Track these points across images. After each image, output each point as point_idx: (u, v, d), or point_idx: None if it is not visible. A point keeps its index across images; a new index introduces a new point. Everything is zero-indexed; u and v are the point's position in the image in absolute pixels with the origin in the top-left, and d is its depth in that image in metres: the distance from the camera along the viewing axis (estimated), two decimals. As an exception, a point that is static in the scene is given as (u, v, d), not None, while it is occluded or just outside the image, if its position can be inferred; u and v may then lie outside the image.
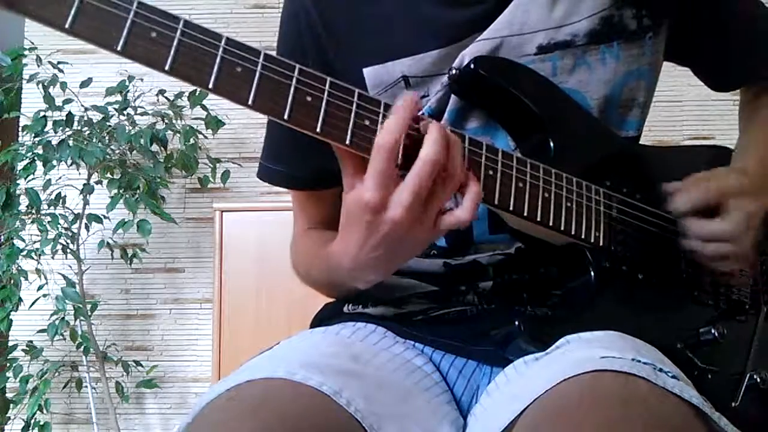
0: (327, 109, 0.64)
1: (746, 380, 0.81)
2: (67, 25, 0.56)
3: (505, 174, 0.71)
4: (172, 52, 0.58)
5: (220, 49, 0.60)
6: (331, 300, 0.93)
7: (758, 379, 0.81)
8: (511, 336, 0.73)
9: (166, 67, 0.58)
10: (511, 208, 0.72)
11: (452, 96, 0.80)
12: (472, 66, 0.77)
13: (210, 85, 0.60)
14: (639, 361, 0.59)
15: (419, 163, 0.64)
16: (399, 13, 0.82)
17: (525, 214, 0.72)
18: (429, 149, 0.64)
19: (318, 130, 0.63)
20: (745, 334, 0.85)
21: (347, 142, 0.64)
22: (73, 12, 0.56)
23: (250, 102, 0.61)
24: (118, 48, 0.57)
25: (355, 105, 0.65)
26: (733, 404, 0.79)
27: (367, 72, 0.82)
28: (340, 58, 0.82)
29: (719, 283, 0.85)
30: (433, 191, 0.65)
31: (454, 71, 0.79)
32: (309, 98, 0.63)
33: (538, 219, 0.73)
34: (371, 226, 0.66)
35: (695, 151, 0.97)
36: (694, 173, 0.83)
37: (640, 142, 0.90)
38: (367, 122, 0.65)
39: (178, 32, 0.59)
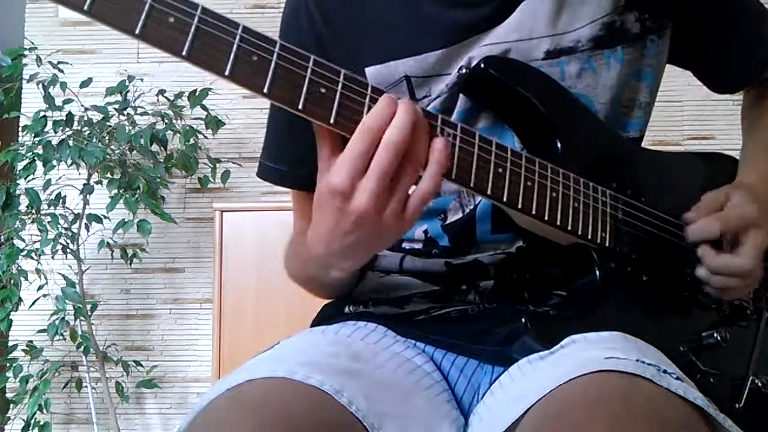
0: (341, 101, 0.64)
1: (748, 384, 0.81)
2: (85, 7, 0.56)
3: (514, 172, 0.72)
4: (189, 38, 0.58)
5: (237, 37, 0.60)
6: (331, 300, 0.93)
7: (760, 384, 0.81)
8: (516, 334, 0.73)
9: (184, 53, 0.58)
10: (519, 206, 0.72)
11: (461, 96, 0.80)
12: (482, 66, 0.77)
13: (226, 72, 0.60)
14: (643, 362, 0.59)
15: (381, 146, 0.63)
16: (402, 13, 0.82)
17: (533, 212, 0.72)
18: (391, 132, 0.63)
19: (331, 121, 0.64)
20: (748, 338, 0.85)
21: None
22: None
23: (265, 90, 0.61)
24: (137, 32, 0.57)
25: (368, 98, 0.65)
26: (737, 405, 0.79)
27: (370, 71, 0.82)
28: (342, 57, 0.82)
29: None
30: (398, 176, 0.64)
31: (464, 70, 0.79)
32: (323, 90, 0.63)
33: (546, 218, 0.73)
34: (340, 212, 0.66)
35: (699, 158, 0.97)
36: (709, 193, 0.83)
37: (643, 144, 0.90)
38: None
39: (196, 18, 0.59)
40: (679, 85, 2.83)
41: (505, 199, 0.71)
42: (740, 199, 0.82)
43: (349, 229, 0.67)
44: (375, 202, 0.64)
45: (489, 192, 0.70)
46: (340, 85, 0.64)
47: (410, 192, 0.67)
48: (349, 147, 0.63)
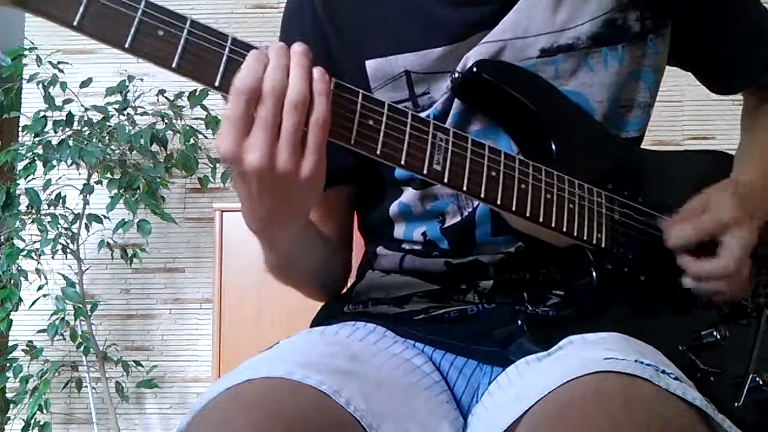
0: (332, 108, 0.64)
1: (748, 382, 0.81)
2: (75, 23, 0.57)
3: (508, 175, 0.72)
4: (179, 51, 0.60)
5: (227, 49, 0.61)
6: (331, 299, 0.93)
7: (760, 381, 0.80)
8: (514, 336, 0.73)
9: (173, 65, 0.59)
10: (513, 209, 0.72)
11: (455, 99, 0.80)
12: (474, 69, 0.77)
13: (216, 84, 0.61)
14: (642, 363, 0.59)
15: (265, 96, 0.62)
16: (404, 9, 0.82)
17: (527, 214, 0.72)
18: (268, 77, 0.62)
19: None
20: (747, 336, 0.85)
21: (352, 142, 0.66)
22: (81, 10, 0.57)
23: None
24: (126, 45, 0.58)
25: (359, 105, 0.66)
26: (736, 404, 0.79)
27: (370, 64, 0.82)
28: (343, 50, 0.83)
29: None
30: (283, 120, 0.62)
31: (456, 74, 0.79)
32: None
33: (541, 220, 0.73)
34: (242, 178, 0.65)
35: (697, 157, 0.97)
36: (693, 200, 0.82)
37: (643, 144, 0.90)
38: (371, 122, 0.67)
39: (185, 31, 0.60)
40: (679, 85, 2.83)
41: (498, 202, 0.71)
42: (719, 203, 0.81)
43: (258, 190, 0.65)
44: (265, 154, 0.62)
45: (482, 195, 0.70)
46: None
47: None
48: (229, 111, 0.62)
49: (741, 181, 0.86)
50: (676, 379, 0.59)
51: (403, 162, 0.67)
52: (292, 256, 0.82)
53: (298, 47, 0.64)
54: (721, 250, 0.79)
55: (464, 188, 0.70)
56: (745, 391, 0.80)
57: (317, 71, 0.64)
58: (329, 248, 0.89)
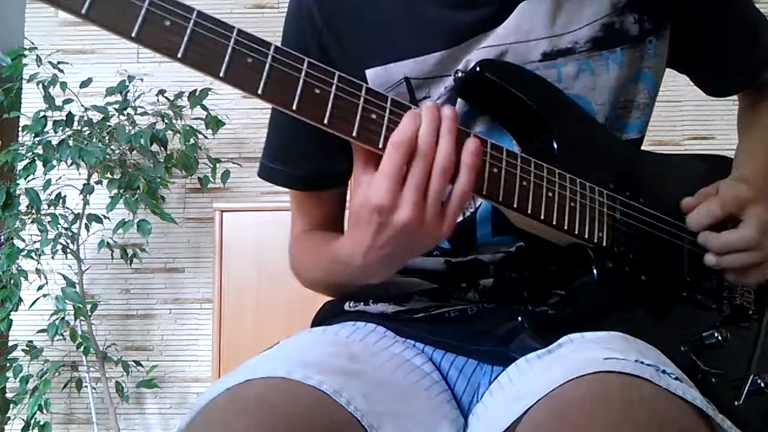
0: (335, 102, 0.65)
1: (749, 384, 0.80)
2: (83, 11, 0.57)
3: (509, 172, 0.72)
4: (185, 41, 0.60)
5: (232, 40, 0.62)
6: (331, 298, 0.93)
7: (761, 384, 0.80)
8: (514, 333, 0.73)
9: (179, 55, 0.60)
10: (514, 206, 0.72)
11: (459, 99, 0.80)
12: (477, 69, 0.77)
13: (221, 74, 0.61)
14: (642, 363, 0.59)
15: (419, 156, 0.66)
16: (401, 15, 0.82)
17: (528, 211, 0.73)
18: (423, 138, 0.66)
19: (325, 121, 0.65)
20: (749, 338, 0.85)
21: (354, 134, 0.66)
22: None
23: (259, 92, 0.62)
24: (133, 35, 0.58)
25: (362, 99, 0.66)
26: (736, 403, 0.79)
27: (370, 73, 0.82)
28: (342, 59, 0.83)
29: (723, 287, 0.84)
30: (430, 181, 0.66)
31: (460, 74, 0.79)
32: (317, 90, 0.65)
33: (542, 217, 0.73)
34: (382, 227, 0.68)
35: (698, 160, 0.97)
36: (702, 187, 0.83)
37: (643, 144, 0.90)
38: (373, 116, 0.67)
39: (192, 22, 0.60)
40: (679, 85, 2.80)
41: (500, 199, 0.71)
42: (729, 184, 0.83)
43: (390, 240, 0.69)
44: (417, 212, 0.66)
45: (484, 192, 0.71)
46: (334, 87, 0.65)
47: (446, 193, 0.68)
48: (384, 164, 0.66)
49: (746, 173, 0.87)
50: (676, 379, 0.59)
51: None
52: (362, 286, 0.84)
53: (448, 111, 0.68)
54: (744, 221, 0.80)
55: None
56: (746, 392, 0.80)
57: (473, 143, 0.68)
58: None
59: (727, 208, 0.80)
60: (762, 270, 0.82)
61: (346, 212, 0.96)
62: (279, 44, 0.88)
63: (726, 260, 0.80)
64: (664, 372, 0.59)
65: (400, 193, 0.66)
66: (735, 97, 1.03)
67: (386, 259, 0.72)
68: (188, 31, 0.60)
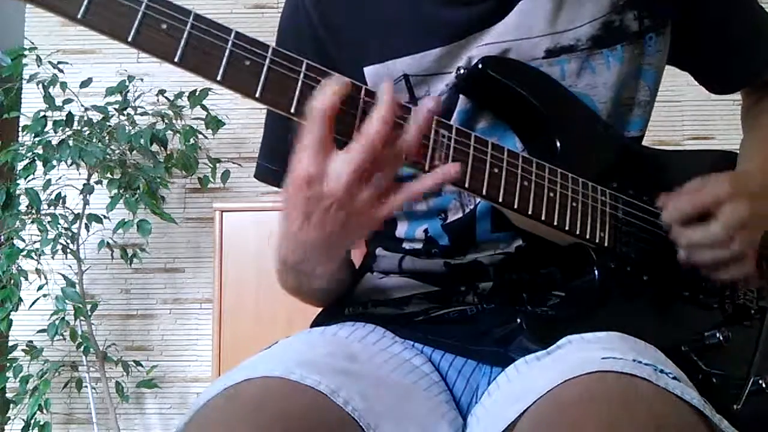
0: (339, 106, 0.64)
1: (750, 385, 0.80)
2: (79, 16, 0.57)
3: (510, 172, 0.72)
4: (182, 44, 0.59)
5: (229, 43, 0.61)
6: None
7: (763, 384, 0.80)
8: (513, 335, 0.72)
9: (176, 59, 0.59)
10: (515, 207, 0.72)
11: (461, 96, 0.80)
12: (480, 66, 0.77)
13: (218, 78, 0.61)
14: (640, 362, 0.59)
15: (361, 134, 0.63)
16: (400, 12, 0.82)
17: (529, 212, 0.72)
18: (372, 122, 0.63)
19: None
20: (750, 338, 0.84)
21: (353, 137, 0.65)
22: (85, 2, 0.57)
23: (257, 95, 0.62)
24: (129, 39, 0.58)
25: (362, 102, 0.66)
26: (735, 407, 0.79)
27: (368, 71, 0.82)
28: (340, 57, 0.82)
29: (725, 287, 0.84)
30: (376, 165, 0.64)
31: (462, 70, 0.79)
32: (315, 93, 0.64)
33: (543, 218, 0.73)
34: (309, 202, 0.65)
35: (702, 156, 0.97)
36: (692, 182, 0.81)
37: (644, 143, 0.90)
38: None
39: (189, 25, 0.60)
40: (679, 85, 2.83)
41: (500, 200, 0.71)
42: (716, 181, 0.80)
43: (320, 219, 0.66)
44: (349, 187, 0.63)
45: (484, 193, 0.70)
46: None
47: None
48: (305, 133, 0.63)
49: (741, 170, 0.86)
50: (674, 378, 0.59)
51: (404, 158, 0.67)
52: (318, 290, 0.82)
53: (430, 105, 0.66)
54: (712, 218, 0.78)
55: (466, 185, 0.69)
56: (747, 393, 0.80)
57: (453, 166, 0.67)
58: (350, 271, 0.89)
59: (699, 205, 0.78)
60: (739, 266, 0.79)
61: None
62: (275, 43, 0.89)
63: (694, 256, 0.79)
64: (662, 371, 0.59)
65: (326, 164, 0.63)
66: (735, 96, 1.02)
67: (318, 245, 0.70)
68: (185, 34, 0.60)
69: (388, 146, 0.64)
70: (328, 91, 0.63)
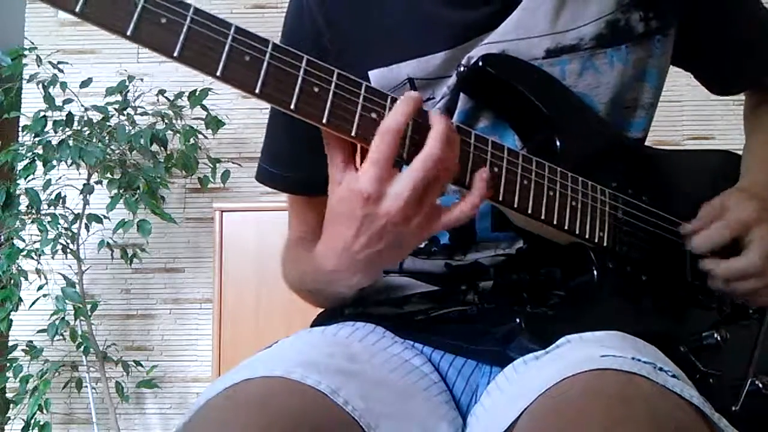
0: (334, 100, 0.64)
1: (747, 385, 0.80)
2: (77, 9, 0.56)
3: (510, 171, 0.71)
4: (181, 39, 0.59)
5: (229, 38, 0.60)
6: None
7: (760, 385, 0.80)
8: (512, 334, 0.72)
9: (175, 53, 0.58)
10: (515, 206, 0.72)
11: (461, 96, 0.80)
12: (480, 63, 0.77)
13: (218, 73, 0.60)
14: (639, 360, 0.59)
15: (423, 157, 0.64)
16: (404, 15, 0.82)
17: (529, 211, 0.72)
18: (434, 144, 0.64)
19: (324, 121, 0.64)
20: (748, 339, 0.84)
21: (353, 133, 0.65)
22: None
23: (257, 91, 0.61)
24: (128, 33, 0.57)
25: (362, 98, 0.65)
26: (733, 408, 0.79)
27: (373, 74, 0.81)
28: (345, 61, 0.82)
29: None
30: (430, 187, 0.65)
31: (462, 68, 0.78)
32: (316, 89, 0.63)
33: (542, 217, 0.73)
34: (365, 219, 0.65)
35: (702, 156, 0.97)
36: (708, 205, 0.82)
37: (646, 144, 0.89)
38: (373, 115, 0.66)
39: (188, 19, 0.59)
40: (679, 85, 2.81)
41: (500, 199, 0.71)
42: (736, 203, 0.82)
43: (370, 238, 0.66)
44: (405, 210, 0.64)
45: None
46: (333, 85, 0.64)
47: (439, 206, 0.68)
48: (374, 151, 0.63)
49: (755, 182, 0.86)
50: (673, 376, 0.59)
51: (404, 157, 0.67)
52: (337, 296, 0.82)
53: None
54: (749, 246, 0.79)
55: (466, 184, 0.69)
56: (744, 393, 0.80)
57: (485, 172, 0.68)
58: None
59: (728, 235, 0.80)
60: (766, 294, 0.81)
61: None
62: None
63: (732, 287, 0.80)
64: (661, 369, 0.59)
65: (389, 184, 0.64)
66: (735, 97, 1.02)
67: (364, 263, 0.70)
68: (185, 28, 0.59)
69: (443, 167, 0.65)
70: (401, 110, 0.63)
